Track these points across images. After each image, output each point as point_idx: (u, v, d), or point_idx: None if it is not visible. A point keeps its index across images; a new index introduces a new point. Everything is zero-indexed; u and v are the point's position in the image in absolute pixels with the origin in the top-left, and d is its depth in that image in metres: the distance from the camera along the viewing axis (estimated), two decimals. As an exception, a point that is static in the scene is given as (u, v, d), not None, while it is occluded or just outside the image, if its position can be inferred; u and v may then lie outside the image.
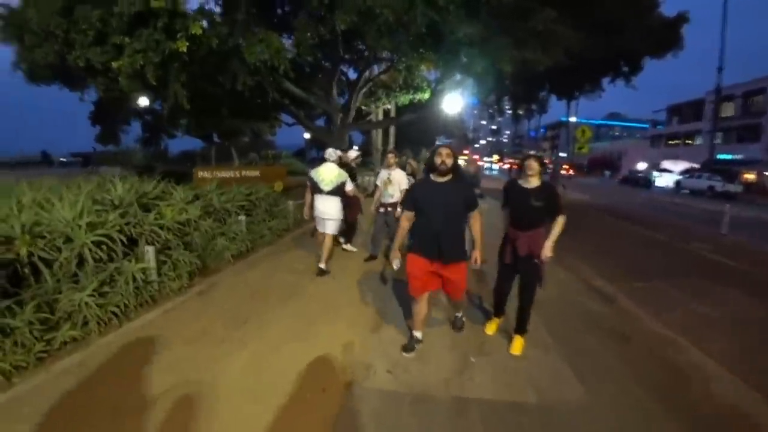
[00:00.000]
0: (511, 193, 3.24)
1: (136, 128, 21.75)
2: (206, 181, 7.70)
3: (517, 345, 3.29)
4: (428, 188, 2.92)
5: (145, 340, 3.30)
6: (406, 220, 3.07)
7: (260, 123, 19.88)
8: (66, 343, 3.15)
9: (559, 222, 3.08)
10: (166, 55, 6.31)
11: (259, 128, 26.08)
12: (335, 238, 5.54)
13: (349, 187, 5.24)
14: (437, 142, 27.73)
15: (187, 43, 6.08)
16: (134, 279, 3.80)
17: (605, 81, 17.11)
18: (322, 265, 5.16)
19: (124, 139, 20.96)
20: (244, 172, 14.74)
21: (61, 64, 6.48)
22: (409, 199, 3.01)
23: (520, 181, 3.18)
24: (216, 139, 28.14)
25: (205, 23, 6.95)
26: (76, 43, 6.10)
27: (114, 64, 5.96)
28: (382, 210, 5.64)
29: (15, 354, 2.78)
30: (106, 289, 3.60)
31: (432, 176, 2.92)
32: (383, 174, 5.63)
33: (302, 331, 3.56)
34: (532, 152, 3.22)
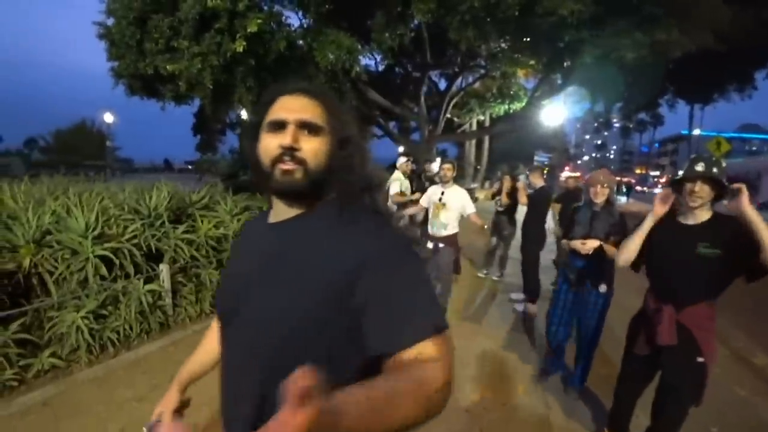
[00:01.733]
0: (657, 234, 1.99)
1: (233, 138, 23.74)
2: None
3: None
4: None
5: (129, 379, 2.87)
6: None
7: (350, 135, 20.40)
8: (46, 371, 2.87)
9: None
10: (228, 57, 6.31)
11: (348, 140, 27.01)
12: None
13: (393, 190, 4.88)
14: (536, 157, 25.46)
15: (245, 43, 5.97)
16: (142, 302, 3.47)
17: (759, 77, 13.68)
18: None
19: (222, 148, 23.00)
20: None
21: (140, 74, 6.98)
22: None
23: (679, 217, 1.95)
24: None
25: (272, 24, 6.87)
26: (147, 52, 6.46)
27: (169, 68, 6.14)
28: (429, 245, 4.00)
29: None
30: (105, 311, 3.30)
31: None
32: (433, 192, 4.11)
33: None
34: (699, 165, 1.77)
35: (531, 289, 4.67)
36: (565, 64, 10.19)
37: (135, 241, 3.84)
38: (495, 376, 3.15)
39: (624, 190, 31.65)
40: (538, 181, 4.90)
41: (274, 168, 0.77)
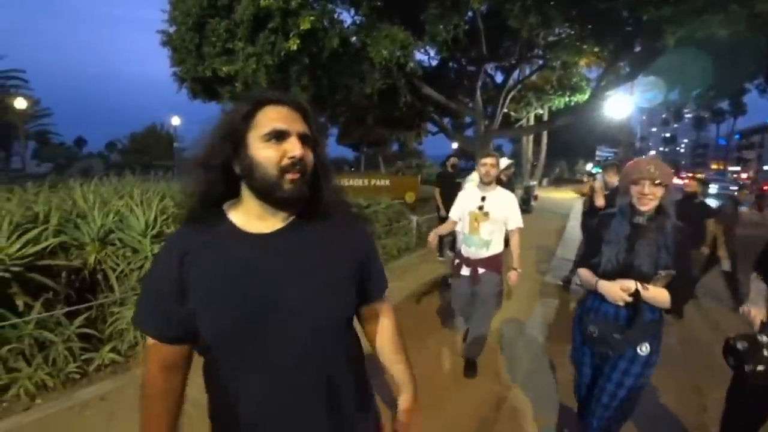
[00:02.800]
0: None
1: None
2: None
3: None
4: None
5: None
6: None
7: (406, 132, 20.42)
8: (106, 366, 2.96)
9: None
10: (282, 57, 6.37)
11: (405, 137, 27.16)
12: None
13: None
14: (598, 152, 23.75)
15: (298, 41, 5.99)
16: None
17: None
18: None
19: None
20: (373, 181, 14.99)
21: (199, 77, 7.28)
22: None
23: None
24: (365, 148, 30.39)
25: (325, 21, 6.86)
26: (205, 55, 6.70)
27: (225, 69, 6.31)
28: (464, 272, 2.93)
29: (43, 371, 2.62)
30: (162, 308, 3.37)
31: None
32: (469, 198, 2.97)
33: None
34: None
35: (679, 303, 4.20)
36: (635, 49, 9.32)
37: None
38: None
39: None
40: (615, 179, 4.33)
41: (282, 177, 0.81)
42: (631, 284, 1.61)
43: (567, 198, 19.89)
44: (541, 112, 17.71)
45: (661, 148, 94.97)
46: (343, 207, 0.96)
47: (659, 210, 1.67)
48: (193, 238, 0.85)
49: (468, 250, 2.92)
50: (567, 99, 13.87)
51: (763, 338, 1.48)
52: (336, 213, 0.93)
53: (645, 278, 1.61)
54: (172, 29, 7.32)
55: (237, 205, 0.89)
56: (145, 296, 0.89)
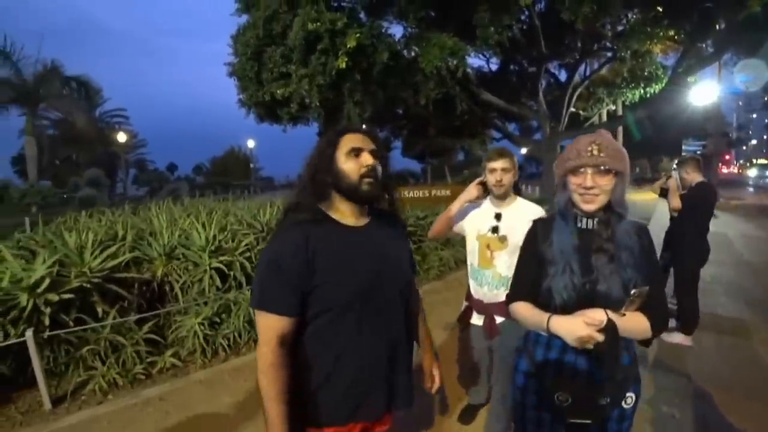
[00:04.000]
0: None
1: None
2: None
3: None
4: None
5: (233, 385, 3.10)
6: None
7: (469, 140, 20.22)
8: (167, 369, 3.25)
9: None
10: (334, 75, 6.67)
11: (469, 146, 26.90)
12: None
13: None
14: (684, 147, 21.27)
15: (347, 59, 6.23)
16: (250, 312, 3.75)
17: None
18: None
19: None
20: (434, 192, 14.94)
21: (260, 102, 7.86)
22: None
23: None
24: (429, 159, 30.52)
25: (374, 37, 7.08)
26: (264, 81, 7.22)
27: (279, 92, 6.72)
28: (476, 320, 2.18)
29: (115, 371, 2.96)
30: (219, 319, 3.64)
31: None
32: (479, 213, 2.16)
33: None
34: None
35: (687, 318, 3.66)
36: (717, 26, 8.33)
37: (248, 254, 4.19)
38: None
39: None
40: (694, 176, 3.75)
41: (361, 181, 1.14)
42: (600, 315, 1.11)
43: (648, 200, 18.10)
44: (613, 107, 16.47)
45: (764, 136, 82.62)
46: (397, 210, 1.32)
47: (609, 208, 1.22)
48: (311, 229, 1.12)
49: (479, 291, 2.11)
50: (641, 91, 12.71)
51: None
52: (391, 215, 1.30)
53: (615, 306, 1.15)
54: (235, 60, 8.01)
55: (329, 207, 1.19)
56: (273, 279, 1.08)
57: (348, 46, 6.20)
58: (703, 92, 11.03)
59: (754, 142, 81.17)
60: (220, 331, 3.62)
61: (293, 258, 1.07)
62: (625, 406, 1.23)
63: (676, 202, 3.83)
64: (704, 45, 9.37)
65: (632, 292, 1.12)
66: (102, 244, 3.60)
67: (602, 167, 1.16)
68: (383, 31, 7.34)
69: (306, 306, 1.09)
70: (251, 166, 42.88)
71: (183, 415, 2.67)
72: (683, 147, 22.08)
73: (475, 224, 2.13)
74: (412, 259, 1.40)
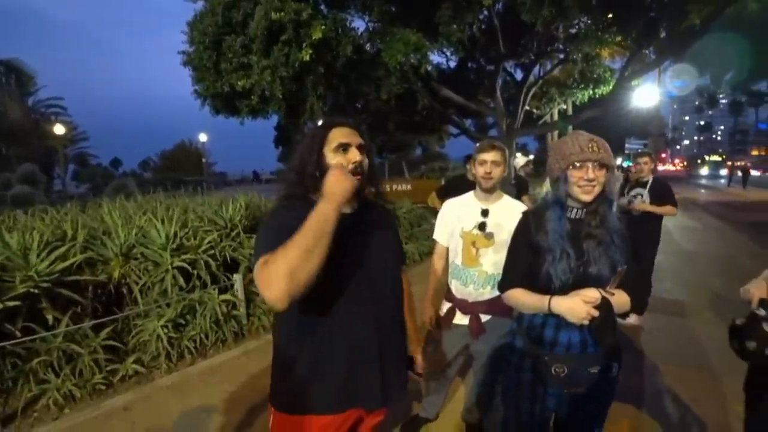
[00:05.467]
0: None
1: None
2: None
3: None
4: None
5: (203, 388, 2.95)
6: None
7: (427, 136, 20.45)
8: (130, 377, 3.05)
9: None
10: (297, 67, 6.49)
11: (427, 141, 27.21)
12: None
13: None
14: (627, 145, 22.84)
15: (311, 51, 6.08)
16: (216, 312, 3.59)
17: None
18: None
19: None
20: (395, 186, 14.99)
21: (218, 93, 7.51)
22: None
23: None
24: (387, 154, 30.57)
25: (338, 30, 6.96)
26: (223, 71, 6.91)
27: (240, 83, 6.47)
28: (459, 319, 2.06)
29: (71, 382, 2.73)
30: (183, 320, 3.46)
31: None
32: (465, 209, 2.07)
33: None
34: None
35: (640, 298, 3.91)
36: (660, 35, 8.96)
37: (211, 251, 4.01)
38: None
39: (739, 175, 27.08)
40: (651, 167, 4.12)
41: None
42: (595, 293, 1.24)
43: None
44: (564, 107, 17.27)
45: (695, 137, 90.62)
46: (383, 201, 1.37)
47: (600, 198, 1.34)
48: (303, 211, 1.06)
49: (463, 291, 2.02)
50: (591, 92, 13.45)
51: (761, 312, 1.31)
52: (379, 205, 1.35)
53: (605, 285, 1.28)
54: (191, 49, 7.60)
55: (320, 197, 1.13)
56: (275, 234, 1.06)
57: (313, 37, 6.06)
58: (646, 95, 11.84)
59: (686, 142, 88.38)
60: (185, 334, 3.44)
61: (290, 222, 1.05)
62: (611, 374, 1.41)
63: (653, 207, 3.92)
64: (647, 51, 10.02)
65: (617, 270, 1.27)
66: (49, 245, 3.30)
67: (601, 162, 1.29)
68: (347, 24, 7.23)
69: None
70: (204, 160, 41.08)
71: (151, 424, 2.51)
72: (626, 145, 23.62)
73: (460, 220, 2.04)
74: (401, 248, 1.43)
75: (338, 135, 1.19)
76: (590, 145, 1.30)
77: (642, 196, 4.02)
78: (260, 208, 5.30)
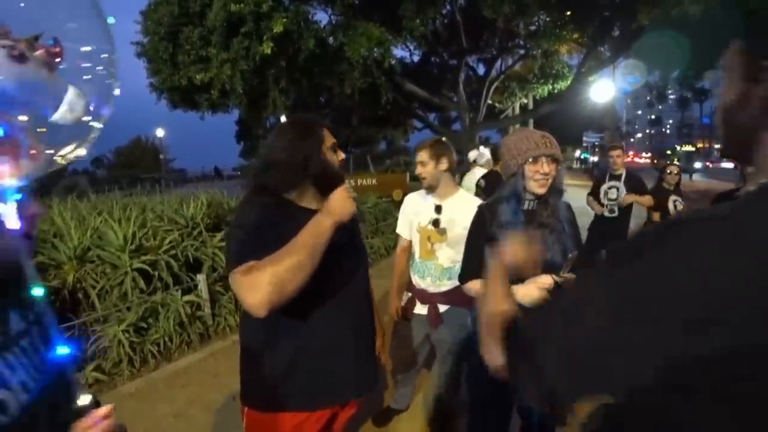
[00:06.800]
0: None
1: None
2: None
3: None
4: None
5: (169, 393, 2.88)
6: None
7: (392, 130, 20.50)
8: (91, 385, 2.93)
9: None
10: (258, 61, 6.33)
11: (392, 135, 27.28)
12: None
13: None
14: (585, 138, 23.90)
15: (272, 44, 5.95)
16: (180, 313, 3.49)
17: None
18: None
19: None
20: (360, 181, 14.93)
21: (176, 86, 7.22)
22: None
23: None
24: (352, 149, 30.40)
25: (300, 23, 6.83)
26: (180, 64, 6.64)
27: (199, 77, 6.26)
28: (419, 309, 2.12)
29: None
30: (145, 324, 3.34)
31: None
32: (418, 207, 2.14)
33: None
34: None
35: None
36: (614, 33, 9.41)
37: (173, 252, 3.88)
38: None
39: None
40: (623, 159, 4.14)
41: (338, 174, 1.23)
42: (548, 279, 1.32)
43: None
44: (525, 101, 17.79)
45: (647, 130, 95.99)
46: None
47: (551, 189, 1.44)
48: (272, 209, 1.13)
49: (422, 282, 2.08)
50: (550, 87, 13.92)
51: None
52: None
53: (557, 270, 1.36)
54: (146, 40, 7.25)
55: (296, 195, 1.20)
56: (247, 237, 1.08)
57: (274, 30, 5.92)
58: (602, 90, 12.38)
59: (639, 135, 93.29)
60: (147, 338, 3.32)
61: (259, 223, 1.09)
62: None
63: (636, 198, 3.92)
64: (603, 48, 10.49)
65: (569, 256, 1.37)
66: (-6, 250, 3.10)
67: (553, 156, 1.41)
68: (309, 17, 7.11)
69: None
70: (161, 157, 39.46)
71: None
72: (584, 139, 24.63)
73: (417, 215, 2.11)
74: (363, 243, 1.48)
75: (328, 134, 1.24)
76: (544, 141, 1.40)
77: (618, 189, 3.96)
78: (223, 206, 5.18)
